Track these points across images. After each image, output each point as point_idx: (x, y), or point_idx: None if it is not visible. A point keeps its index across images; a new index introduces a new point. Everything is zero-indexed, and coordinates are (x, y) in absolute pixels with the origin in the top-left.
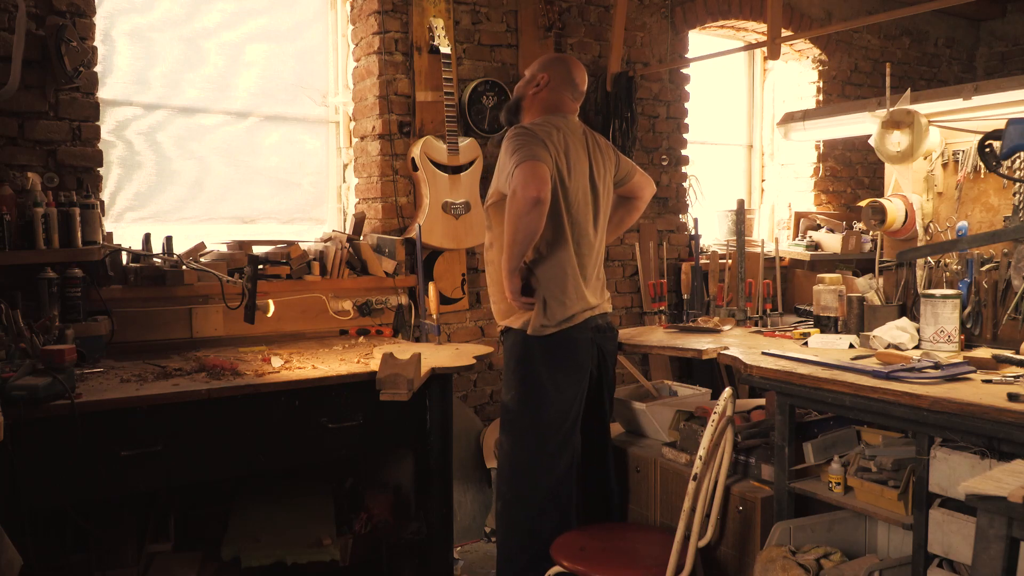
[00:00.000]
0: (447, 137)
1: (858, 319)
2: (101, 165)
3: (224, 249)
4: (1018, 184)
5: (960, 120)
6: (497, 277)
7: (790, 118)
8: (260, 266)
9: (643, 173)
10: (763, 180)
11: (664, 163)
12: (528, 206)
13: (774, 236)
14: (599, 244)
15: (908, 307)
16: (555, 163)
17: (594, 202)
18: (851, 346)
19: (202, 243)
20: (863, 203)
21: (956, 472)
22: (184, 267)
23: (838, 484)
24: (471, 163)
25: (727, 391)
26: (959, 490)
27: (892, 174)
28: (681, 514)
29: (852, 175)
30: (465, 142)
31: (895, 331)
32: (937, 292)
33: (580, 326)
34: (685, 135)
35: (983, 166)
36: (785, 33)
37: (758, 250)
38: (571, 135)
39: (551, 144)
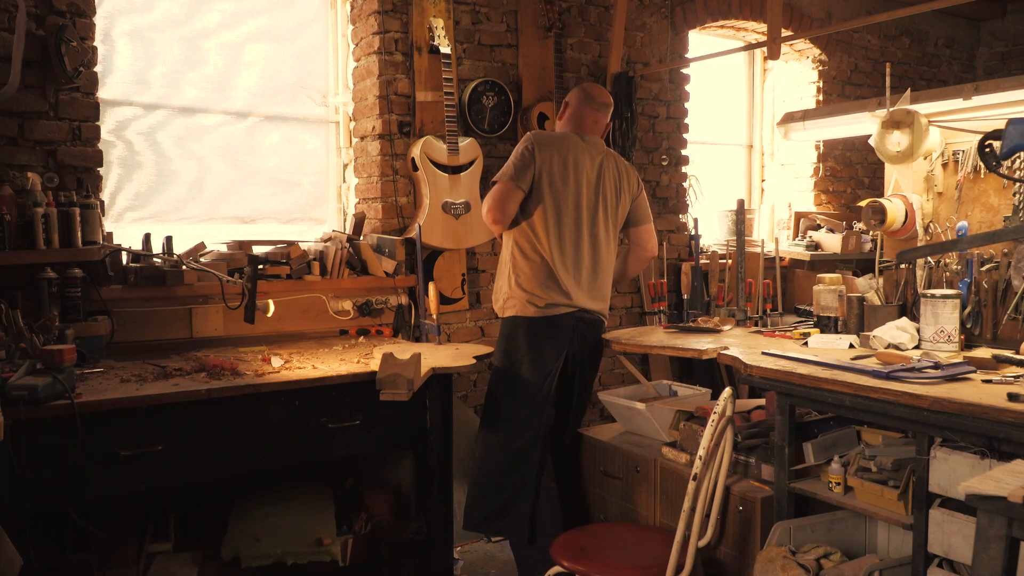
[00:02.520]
0: (447, 137)
1: (858, 319)
2: (101, 165)
3: (224, 249)
4: (1018, 184)
5: (960, 120)
6: (504, 269)
7: (790, 118)
8: (260, 266)
9: (651, 233)
10: (763, 180)
11: (664, 163)
12: (487, 222)
13: (774, 236)
14: (595, 252)
15: (908, 307)
16: (542, 170)
17: (591, 212)
18: (851, 346)
19: (202, 243)
20: (863, 203)
21: (956, 472)
22: (184, 267)
23: (838, 484)
24: (471, 163)
25: (727, 391)
26: (959, 490)
27: (892, 174)
28: (681, 514)
29: (852, 175)
30: (465, 142)
31: (895, 331)
32: (937, 292)
33: (565, 315)
34: (685, 135)
35: (983, 166)
36: (785, 33)
37: (758, 250)
38: (580, 148)
39: (547, 152)
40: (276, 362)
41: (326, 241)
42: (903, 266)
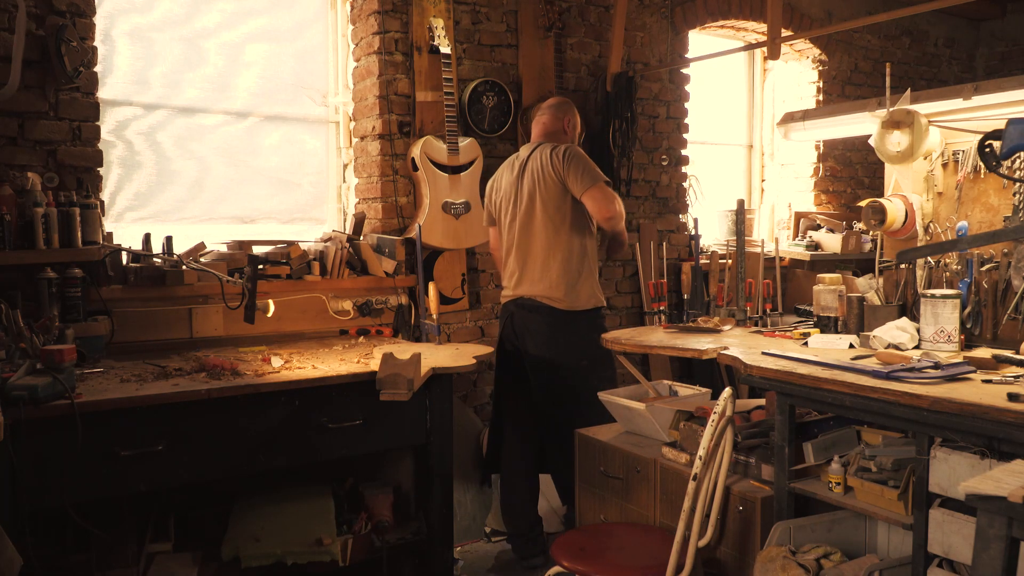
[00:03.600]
0: (447, 137)
1: (858, 319)
2: (101, 165)
3: (224, 249)
4: (1018, 184)
5: (960, 120)
6: None
7: (790, 118)
8: (260, 266)
9: (594, 198)
10: (763, 180)
11: (664, 163)
12: None
13: (774, 236)
14: (532, 243)
15: (908, 307)
16: (490, 203)
17: (517, 210)
18: (851, 346)
19: (202, 243)
20: (863, 203)
21: (956, 472)
22: (184, 267)
23: (838, 484)
24: (471, 163)
25: (727, 391)
26: (959, 490)
27: (892, 174)
28: (681, 514)
29: (852, 175)
30: (465, 142)
31: (895, 331)
32: (937, 292)
33: (507, 302)
34: (685, 135)
35: (983, 166)
36: (785, 33)
37: (758, 250)
38: (512, 164)
39: (489, 187)
40: (276, 362)
41: (326, 241)
42: (903, 266)
